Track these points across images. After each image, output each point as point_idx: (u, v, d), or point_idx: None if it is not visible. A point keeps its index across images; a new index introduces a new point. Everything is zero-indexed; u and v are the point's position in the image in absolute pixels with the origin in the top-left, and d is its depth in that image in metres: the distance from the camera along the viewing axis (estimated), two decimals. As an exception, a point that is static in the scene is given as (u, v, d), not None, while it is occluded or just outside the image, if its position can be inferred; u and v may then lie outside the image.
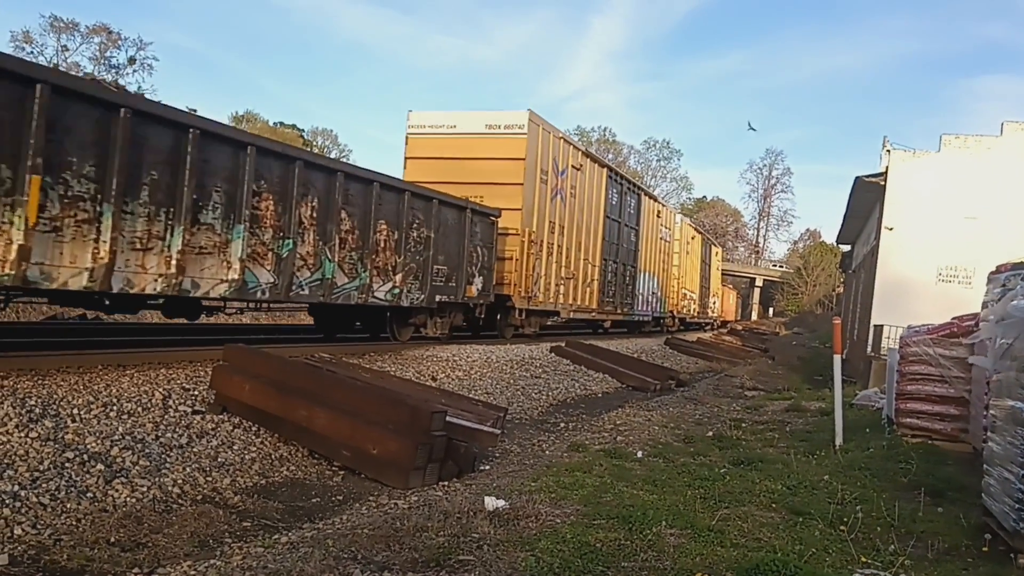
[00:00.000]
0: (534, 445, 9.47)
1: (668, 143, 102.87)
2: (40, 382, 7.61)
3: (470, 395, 11.39)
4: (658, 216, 32.41)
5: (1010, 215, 18.24)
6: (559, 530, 5.02)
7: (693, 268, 40.92)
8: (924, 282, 18.87)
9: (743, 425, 10.89)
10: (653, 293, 32.11)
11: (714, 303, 51.04)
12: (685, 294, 38.78)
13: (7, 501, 5.45)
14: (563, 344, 18.89)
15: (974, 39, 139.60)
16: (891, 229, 19.66)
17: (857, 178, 21.22)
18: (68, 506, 5.68)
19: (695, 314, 42.61)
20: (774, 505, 6.16)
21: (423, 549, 4.63)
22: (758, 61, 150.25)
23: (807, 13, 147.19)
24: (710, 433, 10.05)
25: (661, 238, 33.05)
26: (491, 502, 5.54)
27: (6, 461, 5.97)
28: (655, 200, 33.12)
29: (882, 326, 17.96)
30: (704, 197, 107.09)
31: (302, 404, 7.87)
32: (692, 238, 40.36)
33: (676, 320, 37.66)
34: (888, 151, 19.91)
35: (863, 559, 4.85)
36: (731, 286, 75.40)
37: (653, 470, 7.37)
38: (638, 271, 29.56)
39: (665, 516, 5.42)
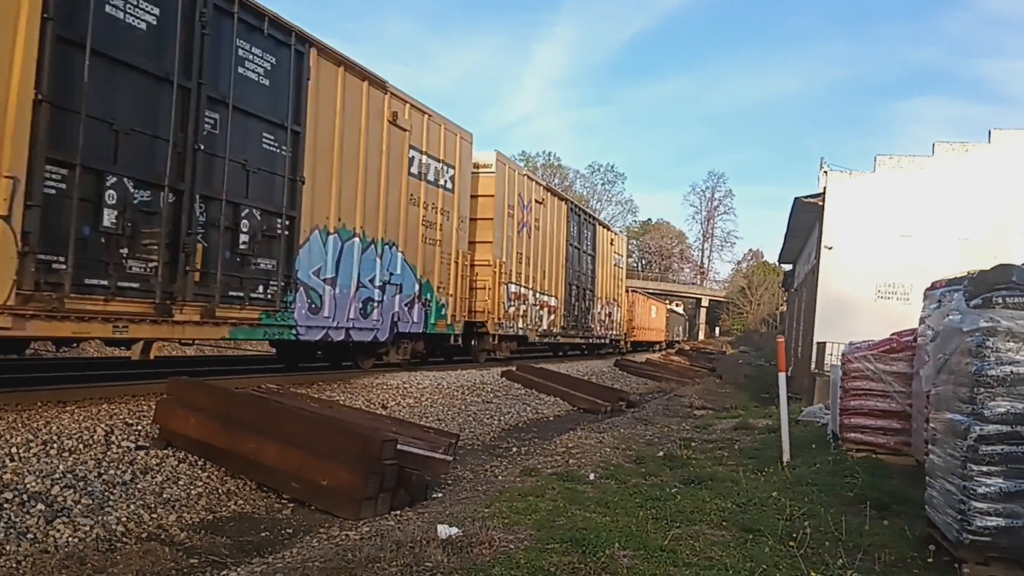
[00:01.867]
0: (487, 471, 9.44)
1: (612, 167, 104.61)
2: (-25, 421, 7.37)
3: (421, 422, 11.31)
4: (395, 124, 14.63)
5: (943, 232, 18.81)
6: (513, 556, 5.00)
7: (546, 254, 24.38)
8: (864, 299, 19.33)
9: (693, 444, 10.99)
10: (394, 283, 14.93)
11: (609, 314, 33.65)
12: (519, 293, 21.89)
13: (-59, 546, 5.26)
14: (514, 368, 18.89)
15: (905, 63, 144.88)
16: (830, 248, 20.13)
17: (796, 199, 21.69)
18: (7, 548, 5.50)
19: (555, 329, 25.59)
20: (725, 523, 6.23)
21: (376, 580, 4.58)
22: (699, 86, 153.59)
23: (746, 39, 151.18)
24: (661, 453, 10.12)
25: (415, 175, 15.54)
26: (444, 530, 5.51)
27: (-60, 504, 5.76)
28: (380, 87, 14.29)
29: (825, 343, 18.32)
30: (649, 220, 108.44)
31: (249, 437, 7.73)
32: (539, 202, 23.65)
33: (496, 340, 20.64)
34: (825, 172, 20.42)
35: (812, 574, 4.92)
36: (677, 302, 75.86)
37: (605, 492, 7.39)
38: (301, 226, 12.10)
39: (618, 538, 5.44)
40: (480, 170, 19.81)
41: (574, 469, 8.72)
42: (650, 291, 62.54)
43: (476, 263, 19.35)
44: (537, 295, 23.71)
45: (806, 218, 23.16)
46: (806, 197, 21.11)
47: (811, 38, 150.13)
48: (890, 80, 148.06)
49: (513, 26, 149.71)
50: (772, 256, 74.27)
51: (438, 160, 16.51)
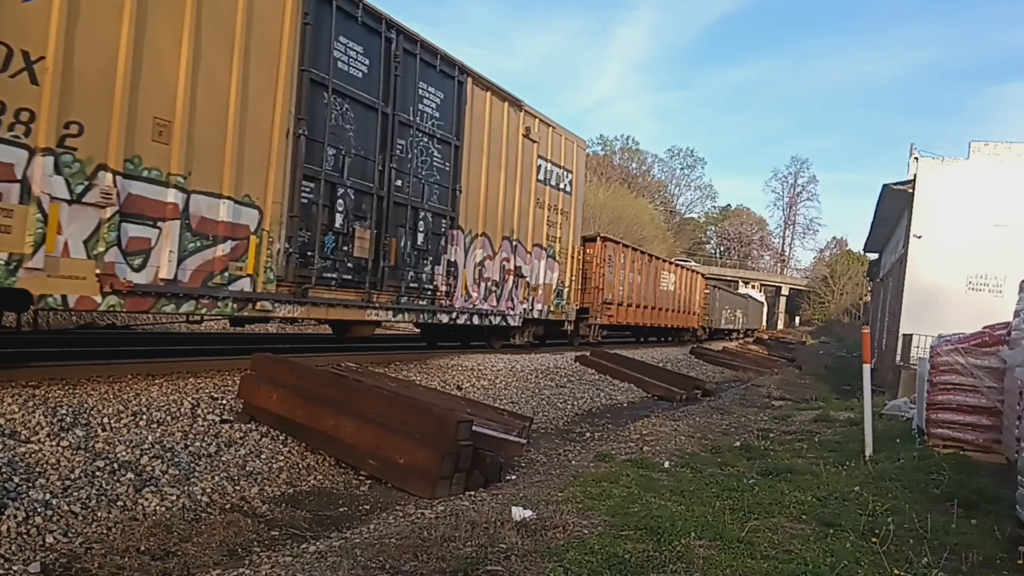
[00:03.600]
0: (560, 455, 9.44)
1: (692, 151, 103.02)
2: (71, 391, 7.69)
3: (495, 404, 11.38)
4: None
5: (1041, 223, 18.04)
6: (587, 541, 5.00)
7: (155, 77, 8.42)
8: (953, 291, 18.68)
9: (771, 435, 10.80)
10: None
11: (517, 271, 16.71)
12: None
13: (39, 509, 5.52)
14: (587, 353, 18.84)
15: (999, 47, 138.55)
16: (919, 237, 19.49)
17: (885, 186, 21.05)
18: (99, 514, 5.73)
19: (234, 282, 9.62)
20: (804, 516, 6.10)
21: (451, 559, 4.62)
22: (782, 70, 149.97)
23: (830, 22, 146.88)
24: (738, 443, 9.98)
25: None
26: (518, 512, 5.53)
27: (38, 470, 6.04)
28: None
29: (911, 335, 17.79)
30: (729, 206, 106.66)
31: (329, 413, 7.90)
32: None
33: None
34: (916, 159, 19.74)
35: (896, 572, 4.79)
36: (754, 284, 72.85)
37: (681, 481, 7.32)
38: None
39: (694, 527, 5.38)
40: None
41: (648, 456, 8.66)
42: (728, 278, 59.63)
43: None
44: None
45: (895, 206, 22.46)
46: (895, 184, 20.45)
47: (900, 20, 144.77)
48: (983, 64, 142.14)
49: (594, 9, 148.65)
50: (856, 245, 72.22)
51: None
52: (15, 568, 4.82)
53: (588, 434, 11.31)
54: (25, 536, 5.21)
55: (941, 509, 6.38)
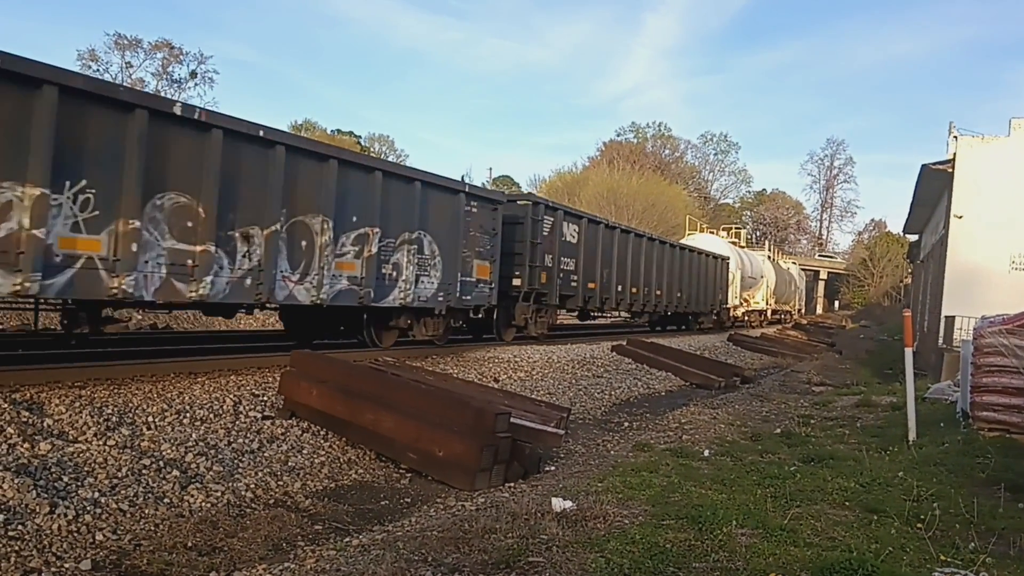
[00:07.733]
0: (598, 445, 9.43)
1: (726, 136, 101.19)
2: (116, 391, 7.83)
3: (532, 396, 11.39)
4: None
5: (1086, 199, 17.62)
6: (628, 531, 4.99)
7: None
8: (996, 271, 18.29)
9: (812, 421, 10.70)
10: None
11: None
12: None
13: (88, 508, 5.63)
14: (624, 343, 18.78)
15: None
16: (960, 217, 19.09)
17: (923, 166, 20.64)
18: (146, 512, 5.84)
19: None
20: (847, 503, 6.05)
21: (492, 551, 4.65)
22: (815, 52, 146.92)
23: (863, 1, 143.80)
24: (778, 430, 9.90)
25: None
26: (558, 503, 5.54)
27: (86, 469, 6.16)
28: None
29: (954, 317, 17.47)
30: (764, 190, 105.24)
31: (368, 408, 7.96)
32: None
33: None
34: (955, 137, 19.32)
35: (942, 557, 4.73)
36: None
37: (721, 469, 7.28)
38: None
39: (735, 516, 5.35)
40: None
41: (688, 445, 8.62)
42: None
43: None
44: None
45: (934, 186, 22.04)
46: (934, 164, 20.06)
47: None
48: (1020, 39, 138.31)
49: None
50: (896, 226, 70.97)
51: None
52: (67, 566, 4.93)
53: (626, 424, 11.29)
54: (75, 534, 5.32)
55: (988, 493, 6.29)
